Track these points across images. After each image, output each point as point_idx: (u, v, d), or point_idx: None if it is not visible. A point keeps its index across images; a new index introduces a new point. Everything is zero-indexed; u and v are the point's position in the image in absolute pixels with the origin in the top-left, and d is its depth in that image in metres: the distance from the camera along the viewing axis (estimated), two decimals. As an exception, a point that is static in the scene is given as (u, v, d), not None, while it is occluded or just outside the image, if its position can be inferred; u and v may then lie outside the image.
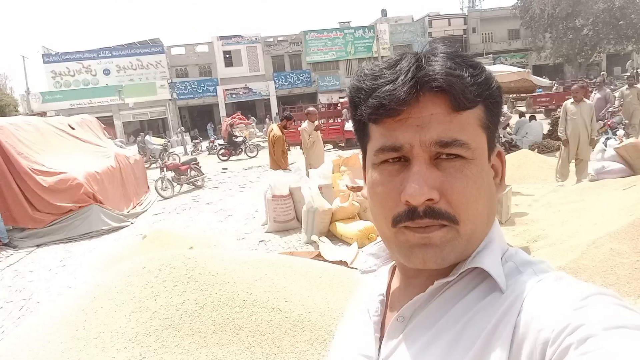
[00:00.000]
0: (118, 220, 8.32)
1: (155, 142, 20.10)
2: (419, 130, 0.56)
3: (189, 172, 11.75)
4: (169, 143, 21.10)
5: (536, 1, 32.88)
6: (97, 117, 12.80)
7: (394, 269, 0.73)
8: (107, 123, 29.16)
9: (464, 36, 41.19)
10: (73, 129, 10.01)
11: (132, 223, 8.56)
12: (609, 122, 9.44)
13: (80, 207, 7.82)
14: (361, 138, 0.65)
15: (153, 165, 18.22)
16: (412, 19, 42.52)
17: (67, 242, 7.45)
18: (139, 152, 19.97)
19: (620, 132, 8.00)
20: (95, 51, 36.40)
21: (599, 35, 32.10)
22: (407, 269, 0.65)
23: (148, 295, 2.47)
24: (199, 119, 40.50)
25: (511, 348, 0.51)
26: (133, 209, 9.55)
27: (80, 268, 6.01)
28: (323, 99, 35.08)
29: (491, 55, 37.96)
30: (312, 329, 2.38)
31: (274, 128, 7.76)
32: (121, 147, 13.48)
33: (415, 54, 0.59)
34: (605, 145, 6.91)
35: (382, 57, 37.98)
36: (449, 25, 40.92)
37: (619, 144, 6.69)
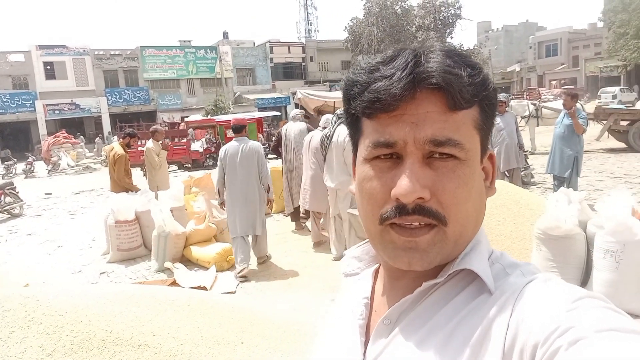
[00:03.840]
0: None
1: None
2: (413, 127, 0.55)
3: (2, 198, 10.00)
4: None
5: (364, 37, 36.45)
6: None
7: (377, 271, 0.71)
8: None
9: (303, 64, 43.55)
10: None
11: None
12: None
13: None
14: (353, 133, 0.64)
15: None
16: (254, 43, 43.44)
17: None
18: None
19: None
20: None
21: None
22: (392, 269, 0.63)
23: (-28, 348, 1.98)
24: (11, 138, 34.95)
25: (504, 349, 0.51)
26: None
27: None
28: (164, 117, 33.41)
29: (327, 82, 40.71)
30: (186, 362, 2.18)
31: (115, 146, 7.07)
32: None
33: (413, 49, 0.58)
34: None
35: (226, 78, 38.01)
36: (289, 52, 42.90)
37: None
